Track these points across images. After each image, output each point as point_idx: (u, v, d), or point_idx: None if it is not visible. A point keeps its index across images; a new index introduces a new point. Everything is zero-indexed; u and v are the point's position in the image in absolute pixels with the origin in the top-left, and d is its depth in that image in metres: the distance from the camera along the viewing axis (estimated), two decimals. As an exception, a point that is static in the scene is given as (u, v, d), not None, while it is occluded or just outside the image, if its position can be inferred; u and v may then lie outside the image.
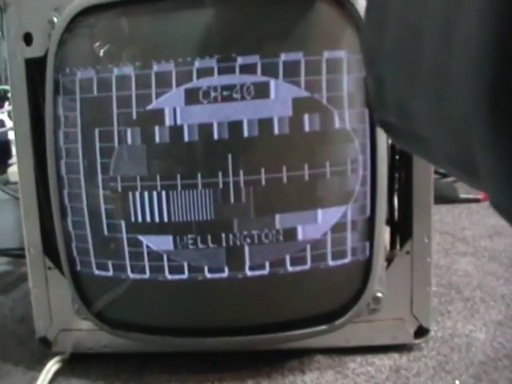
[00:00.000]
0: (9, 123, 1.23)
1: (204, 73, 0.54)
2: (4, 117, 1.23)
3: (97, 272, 0.59)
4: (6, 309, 0.80)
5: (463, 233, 0.99)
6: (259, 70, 0.53)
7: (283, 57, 0.53)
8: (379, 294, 0.60)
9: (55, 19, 0.57)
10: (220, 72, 0.54)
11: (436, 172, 1.32)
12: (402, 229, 0.62)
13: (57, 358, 0.63)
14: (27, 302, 0.77)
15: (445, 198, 1.16)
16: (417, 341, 0.62)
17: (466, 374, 0.58)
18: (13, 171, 1.11)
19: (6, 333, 0.73)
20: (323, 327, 0.57)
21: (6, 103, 1.32)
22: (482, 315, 0.69)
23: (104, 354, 0.63)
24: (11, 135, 1.23)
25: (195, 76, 0.54)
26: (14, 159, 1.21)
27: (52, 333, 0.64)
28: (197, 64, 0.54)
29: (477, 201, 1.15)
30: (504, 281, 0.78)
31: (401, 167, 0.62)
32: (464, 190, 1.16)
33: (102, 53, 0.56)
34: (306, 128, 0.54)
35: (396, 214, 0.63)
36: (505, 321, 0.67)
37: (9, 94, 1.33)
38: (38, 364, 0.62)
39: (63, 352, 0.64)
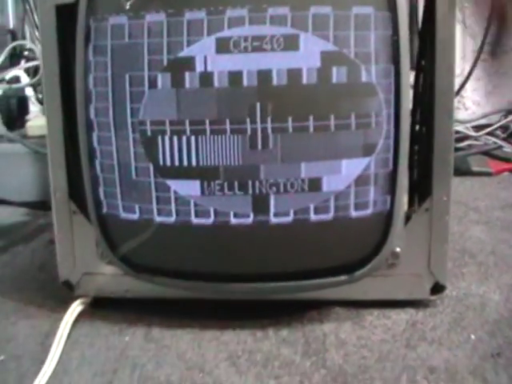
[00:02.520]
0: (25, 79, 1.22)
1: (235, 22, 0.54)
2: (20, 73, 1.23)
3: (123, 215, 0.60)
4: (27, 257, 0.82)
5: (476, 203, 1.00)
6: (289, 22, 0.54)
7: (313, 10, 0.54)
8: (398, 249, 0.61)
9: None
10: (251, 22, 0.54)
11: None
12: (421, 186, 0.63)
13: (80, 300, 0.65)
14: (47, 250, 0.80)
15: (457, 169, 1.16)
16: (433, 297, 0.63)
17: (480, 330, 0.59)
18: (31, 125, 1.12)
19: (27, 278, 0.74)
20: (343, 277, 0.59)
21: (23, 60, 1.32)
22: (495, 279, 0.70)
23: (126, 299, 0.65)
24: (28, 91, 1.24)
25: (226, 25, 0.55)
26: (31, 115, 1.21)
27: (75, 276, 0.66)
28: (228, 13, 0.55)
29: (489, 174, 1.16)
30: (516, 248, 0.79)
31: (423, 125, 0.63)
32: (476, 163, 1.17)
33: (132, 3, 0.57)
34: (334, 79, 0.55)
35: (416, 171, 0.63)
36: (517, 284, 0.69)
37: (25, 52, 1.34)
38: (61, 307, 0.64)
39: (86, 295, 0.66)
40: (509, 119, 1.46)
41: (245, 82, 0.55)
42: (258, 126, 0.55)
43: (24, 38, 1.52)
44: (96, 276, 0.65)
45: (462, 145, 1.36)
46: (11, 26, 1.52)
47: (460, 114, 1.59)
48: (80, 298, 0.65)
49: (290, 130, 0.55)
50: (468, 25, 1.59)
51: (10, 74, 1.20)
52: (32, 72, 1.25)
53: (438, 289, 0.63)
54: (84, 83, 0.59)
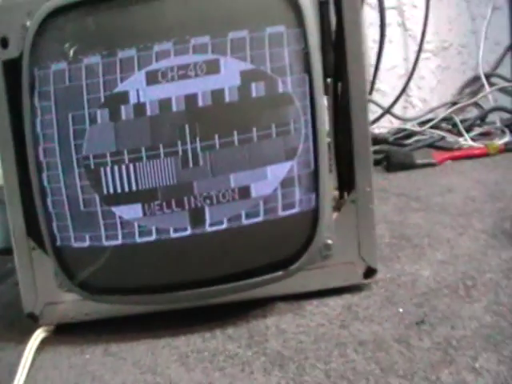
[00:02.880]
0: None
1: (162, 55, 0.61)
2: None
3: (75, 244, 0.65)
4: (-5, 298, 0.86)
5: (417, 193, 1.06)
6: (210, 49, 0.61)
7: (231, 35, 0.61)
8: (329, 241, 0.67)
9: (28, 23, 0.64)
10: (176, 53, 0.61)
11: (395, 144, 1.41)
12: (346, 181, 0.69)
13: (43, 328, 0.69)
14: (13, 291, 0.84)
15: (403, 164, 1.24)
16: (366, 281, 0.69)
17: (409, 303, 0.65)
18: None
19: (-5, 317, 0.79)
20: (279, 273, 0.64)
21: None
22: (428, 257, 0.77)
23: (86, 322, 0.70)
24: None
25: (154, 59, 0.61)
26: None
27: (38, 307, 0.70)
28: (156, 48, 0.61)
29: (432, 165, 1.23)
30: (450, 228, 0.86)
31: (342, 127, 0.69)
32: (421, 156, 1.24)
33: (71, 48, 0.63)
34: (253, 94, 0.61)
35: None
36: (448, 260, 0.75)
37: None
38: (27, 338, 0.68)
39: (50, 324, 0.70)
40: (451, 110, 1.54)
41: (174, 108, 0.61)
42: (188, 146, 0.61)
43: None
44: (57, 304, 0.70)
45: (409, 141, 1.44)
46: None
47: (408, 113, 1.67)
48: (44, 326, 0.70)
49: (217, 146, 0.61)
50: (408, 27, 1.66)
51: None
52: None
53: (370, 273, 0.69)
54: (32, 127, 0.64)
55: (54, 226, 0.66)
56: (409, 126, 1.54)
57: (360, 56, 0.66)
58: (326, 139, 0.64)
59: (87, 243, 0.65)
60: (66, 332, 0.70)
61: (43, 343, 0.68)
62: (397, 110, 1.62)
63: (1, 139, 0.69)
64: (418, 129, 1.49)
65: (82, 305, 0.69)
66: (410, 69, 1.62)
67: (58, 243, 0.66)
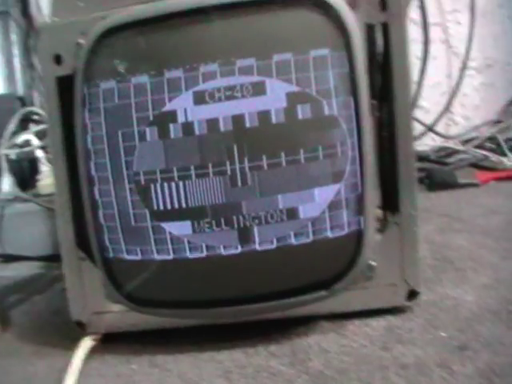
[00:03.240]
0: (35, 142, 1.31)
1: (208, 76, 0.63)
2: (31, 137, 1.31)
3: (127, 257, 0.67)
4: (42, 305, 0.89)
5: (460, 213, 1.06)
6: (255, 71, 0.62)
7: (275, 57, 0.62)
8: (373, 263, 0.68)
9: (82, 41, 0.66)
10: (222, 75, 0.63)
11: (437, 162, 1.41)
12: (391, 202, 0.69)
13: (91, 337, 0.72)
14: (60, 298, 0.86)
15: (445, 184, 1.24)
16: (408, 303, 0.70)
17: (451, 327, 0.65)
18: (42, 185, 1.20)
19: (44, 324, 0.82)
20: (323, 292, 0.65)
21: (32, 125, 1.41)
22: (471, 281, 0.76)
23: (133, 333, 0.72)
24: (38, 153, 1.32)
25: (201, 80, 0.63)
26: (42, 174, 1.29)
27: (85, 316, 0.73)
28: (202, 69, 0.63)
29: (475, 185, 1.23)
30: (494, 251, 0.85)
31: (387, 149, 0.70)
32: (463, 176, 1.23)
33: (121, 66, 0.65)
34: (299, 116, 0.62)
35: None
36: (491, 284, 0.75)
37: (34, 116, 1.43)
38: (75, 345, 0.71)
39: (96, 333, 0.73)
40: (495, 130, 1.53)
41: (221, 128, 0.63)
42: (237, 166, 0.63)
43: (32, 103, 1.63)
44: (104, 314, 0.73)
45: (452, 160, 1.43)
46: (20, 92, 1.63)
47: (451, 130, 1.66)
48: (91, 335, 0.72)
49: (265, 166, 0.63)
50: (452, 44, 1.66)
51: (21, 138, 1.28)
52: (42, 135, 1.34)
53: (412, 295, 0.69)
54: (83, 143, 0.67)
55: (106, 238, 0.68)
56: (451, 143, 1.53)
57: (406, 78, 0.67)
58: (371, 162, 0.65)
59: (139, 256, 0.67)
60: (113, 341, 0.72)
61: (90, 351, 0.70)
62: (439, 127, 1.61)
63: (53, 152, 0.72)
64: (460, 147, 1.48)
65: (128, 315, 0.71)
66: (453, 86, 1.61)
67: (110, 255, 0.68)
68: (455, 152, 1.48)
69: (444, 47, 1.67)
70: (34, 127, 1.36)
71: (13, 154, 1.26)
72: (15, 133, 1.29)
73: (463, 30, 1.62)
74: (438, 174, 1.28)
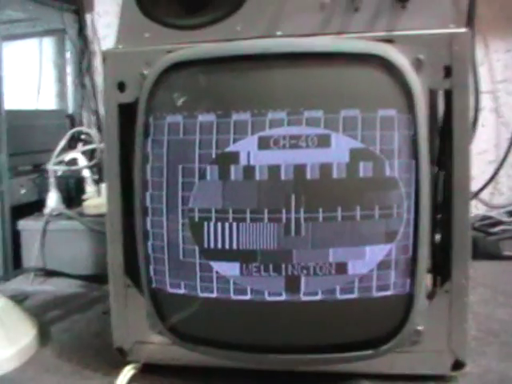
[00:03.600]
0: (82, 161, 1.33)
1: (275, 123, 0.63)
2: (78, 155, 1.34)
3: (170, 290, 0.68)
4: (83, 325, 0.90)
5: (504, 287, 1.04)
6: (322, 124, 0.63)
7: (343, 113, 0.63)
8: (420, 328, 0.67)
9: (145, 72, 0.68)
10: (289, 123, 0.63)
11: (482, 231, 1.38)
12: (442, 270, 0.69)
13: (132, 365, 0.72)
14: (101, 320, 0.88)
15: (489, 254, 1.22)
16: (453, 373, 0.68)
17: (496, 404, 0.64)
18: (87, 205, 1.23)
19: (84, 344, 0.83)
20: (369, 352, 0.65)
21: (80, 144, 1.44)
22: (515, 357, 0.74)
23: (173, 366, 0.72)
24: (85, 172, 1.34)
25: (268, 126, 0.64)
26: (87, 194, 1.31)
27: (128, 344, 0.73)
28: (270, 115, 0.63)
29: (519, 258, 1.21)
30: (539, 330, 0.83)
31: (442, 218, 0.69)
32: (508, 248, 1.21)
33: (187, 102, 0.66)
34: (361, 174, 0.62)
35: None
36: (537, 364, 0.73)
37: (82, 136, 1.46)
38: (114, 371, 0.71)
39: (137, 361, 0.73)
40: (542, 204, 1.51)
41: (282, 176, 0.63)
42: (292, 215, 0.63)
43: (81, 122, 1.66)
44: (146, 344, 0.73)
45: (495, 230, 1.41)
46: (70, 111, 1.67)
47: (495, 200, 1.64)
48: (131, 363, 0.72)
49: (321, 219, 0.63)
50: (501, 113, 1.65)
51: (68, 156, 1.32)
52: (88, 155, 1.37)
53: (458, 365, 0.68)
54: (142, 173, 0.68)
55: (151, 268, 0.69)
56: (495, 213, 1.51)
57: (466, 148, 0.67)
58: (427, 227, 0.64)
59: (182, 291, 0.67)
60: (153, 372, 0.72)
61: (131, 379, 0.71)
62: (484, 195, 1.59)
63: (109, 178, 0.73)
64: (505, 218, 1.46)
65: (170, 349, 0.71)
66: (501, 155, 1.60)
67: (154, 285, 0.69)
68: (499, 222, 1.46)
69: (493, 116, 1.66)
70: (81, 146, 1.39)
71: (60, 170, 1.28)
72: (63, 150, 1.31)
73: (513, 101, 1.62)
74: (482, 243, 1.26)
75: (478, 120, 1.53)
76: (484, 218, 1.50)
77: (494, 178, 1.60)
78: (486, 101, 1.62)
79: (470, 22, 1.48)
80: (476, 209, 1.59)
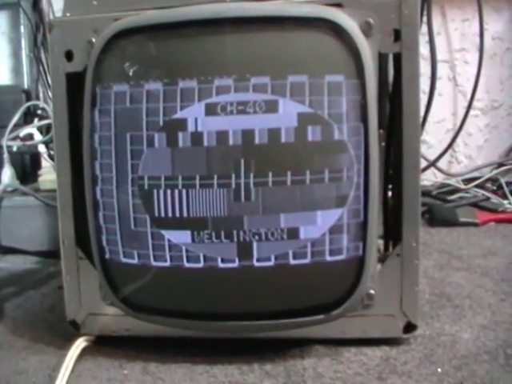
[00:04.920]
0: (38, 137, 1.30)
1: (222, 90, 0.62)
2: (34, 131, 1.31)
3: (124, 260, 0.67)
4: (37, 301, 0.89)
5: (459, 252, 1.06)
6: (269, 90, 0.62)
7: (290, 78, 0.62)
8: (372, 291, 0.67)
9: (93, 40, 0.67)
10: (236, 90, 0.62)
11: (438, 198, 1.41)
12: (393, 233, 0.69)
13: (84, 338, 0.71)
14: (55, 295, 0.86)
15: (446, 220, 1.24)
16: (406, 335, 0.69)
17: (448, 364, 0.64)
18: (43, 180, 1.20)
19: (37, 319, 0.81)
20: (321, 316, 0.65)
21: (36, 119, 1.41)
22: (468, 319, 0.76)
23: (127, 337, 0.71)
24: (40, 148, 1.31)
25: (214, 92, 0.62)
26: (43, 170, 1.29)
27: (81, 316, 0.72)
28: (216, 82, 0.62)
29: (475, 224, 1.23)
30: (492, 292, 0.85)
31: (393, 182, 0.70)
32: (464, 215, 1.23)
33: (134, 70, 0.65)
34: (309, 138, 0.62)
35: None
36: (489, 325, 0.74)
37: (38, 111, 1.43)
38: (67, 344, 0.70)
39: (90, 334, 0.72)
40: (497, 171, 1.53)
41: (230, 141, 0.62)
42: (242, 180, 0.62)
43: (38, 97, 1.63)
44: (99, 316, 0.72)
45: (453, 197, 1.44)
46: (26, 86, 1.63)
47: (453, 168, 1.66)
48: (85, 335, 0.71)
49: (270, 184, 0.62)
50: (459, 82, 1.67)
51: (23, 131, 1.28)
52: (45, 130, 1.33)
53: (410, 328, 0.68)
54: (90, 142, 0.67)
55: (104, 239, 0.68)
56: (453, 181, 1.53)
57: (416, 111, 0.67)
58: (377, 190, 0.65)
59: (135, 260, 0.66)
60: (106, 344, 0.71)
61: (83, 352, 0.70)
62: (442, 164, 1.61)
63: (58, 148, 0.71)
64: (462, 186, 1.48)
65: (123, 320, 0.70)
66: (458, 124, 1.62)
67: (107, 256, 0.68)
68: (456, 190, 1.48)
69: (451, 85, 1.68)
70: (37, 122, 1.36)
71: (15, 146, 1.25)
72: (18, 125, 1.28)
73: (470, 70, 1.63)
74: (439, 211, 1.28)
75: (435, 88, 1.54)
76: (442, 185, 1.52)
77: (452, 147, 1.63)
78: (443, 70, 1.64)
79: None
80: (434, 177, 1.61)
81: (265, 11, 0.64)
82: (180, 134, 0.63)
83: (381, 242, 0.73)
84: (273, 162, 0.63)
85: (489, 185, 1.50)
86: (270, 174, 0.62)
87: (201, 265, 0.64)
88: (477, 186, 1.47)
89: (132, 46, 0.65)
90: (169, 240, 0.65)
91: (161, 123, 0.63)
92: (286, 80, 0.62)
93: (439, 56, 1.57)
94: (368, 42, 0.63)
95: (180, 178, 0.63)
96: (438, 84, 1.57)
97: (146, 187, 0.64)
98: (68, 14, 0.71)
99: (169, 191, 0.64)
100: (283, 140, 0.62)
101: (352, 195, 0.63)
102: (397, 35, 0.65)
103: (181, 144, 0.63)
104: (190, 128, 0.63)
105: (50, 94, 1.62)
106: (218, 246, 0.64)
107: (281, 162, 0.63)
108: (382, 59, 0.66)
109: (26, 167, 1.33)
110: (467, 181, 1.52)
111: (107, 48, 0.65)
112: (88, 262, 0.71)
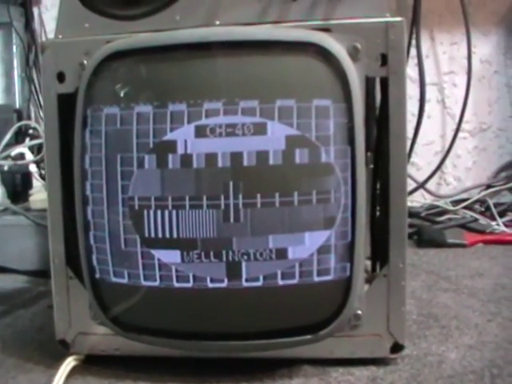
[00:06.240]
0: (29, 156, 1.31)
1: (211, 113, 0.64)
2: (25, 150, 1.31)
3: (114, 279, 0.67)
4: (27, 320, 0.89)
5: (447, 273, 1.07)
6: (258, 113, 0.63)
7: (278, 102, 0.63)
8: (359, 312, 0.68)
9: (85, 62, 0.68)
10: (225, 113, 0.63)
11: (427, 219, 1.42)
12: (380, 254, 0.70)
13: (74, 357, 0.72)
14: (45, 314, 0.87)
15: (434, 242, 1.25)
16: (393, 356, 0.69)
17: (434, 384, 0.65)
18: (34, 199, 1.20)
19: (27, 339, 0.82)
20: (308, 337, 0.66)
21: (27, 138, 1.41)
22: (455, 339, 0.76)
23: (116, 357, 0.71)
24: (32, 167, 1.32)
25: (204, 115, 0.64)
26: (34, 189, 1.29)
27: (70, 335, 0.73)
28: (205, 106, 0.64)
29: (463, 246, 1.24)
30: (479, 313, 0.86)
31: (380, 201, 0.71)
32: (452, 236, 1.25)
33: (124, 93, 0.66)
34: (297, 160, 0.63)
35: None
36: (475, 345, 0.75)
37: (30, 130, 1.43)
38: (56, 363, 0.70)
39: (80, 353, 0.72)
40: (486, 193, 1.55)
41: (219, 163, 0.63)
42: (231, 201, 0.63)
43: (29, 117, 1.63)
44: (89, 335, 0.72)
45: (441, 219, 1.45)
46: (17, 105, 1.64)
47: (441, 190, 1.67)
48: (74, 355, 0.72)
49: (259, 205, 0.63)
50: (447, 105, 1.69)
51: (15, 151, 1.28)
52: (36, 149, 1.33)
53: (397, 348, 0.69)
54: (81, 162, 0.68)
55: (94, 258, 0.68)
56: (441, 203, 1.55)
57: (402, 135, 0.68)
58: (364, 211, 0.65)
59: (126, 280, 0.67)
60: (96, 363, 0.72)
61: (73, 371, 0.70)
62: (430, 185, 1.63)
63: (49, 168, 0.72)
64: (450, 207, 1.50)
65: (113, 339, 0.71)
66: (447, 146, 1.63)
67: (97, 276, 0.68)
68: (445, 211, 1.49)
69: (439, 107, 1.69)
70: (28, 141, 1.37)
71: (6, 165, 1.26)
72: (9, 145, 1.29)
73: (459, 93, 1.65)
74: (427, 232, 1.29)
75: (424, 111, 1.56)
76: (430, 207, 1.53)
77: (440, 168, 1.64)
78: (432, 92, 1.65)
79: (415, 15, 1.51)
80: (423, 198, 1.62)
81: (253, 35, 0.66)
82: (170, 156, 0.64)
83: (368, 263, 0.74)
84: (261, 183, 0.64)
85: (477, 206, 1.51)
86: (259, 196, 0.63)
87: (190, 284, 0.65)
88: (465, 208, 1.48)
89: (123, 69, 0.67)
90: (159, 259, 0.65)
91: (151, 145, 0.64)
92: (275, 104, 0.63)
93: (428, 79, 1.58)
94: (355, 66, 0.65)
95: (170, 198, 0.64)
96: (427, 106, 1.58)
97: (137, 208, 0.65)
98: (60, 36, 0.73)
99: (159, 212, 0.64)
100: (271, 162, 0.63)
101: (340, 217, 0.64)
102: (384, 60, 0.66)
103: (170, 165, 0.64)
104: (180, 150, 0.64)
105: (41, 113, 1.63)
106: (208, 265, 0.64)
107: (269, 183, 0.64)
108: (369, 83, 0.67)
109: (17, 186, 1.34)
110: (456, 202, 1.53)
111: (98, 70, 0.67)
112: (78, 281, 0.72)
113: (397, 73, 0.66)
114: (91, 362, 0.72)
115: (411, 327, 0.80)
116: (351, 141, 0.64)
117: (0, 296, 1.01)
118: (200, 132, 0.63)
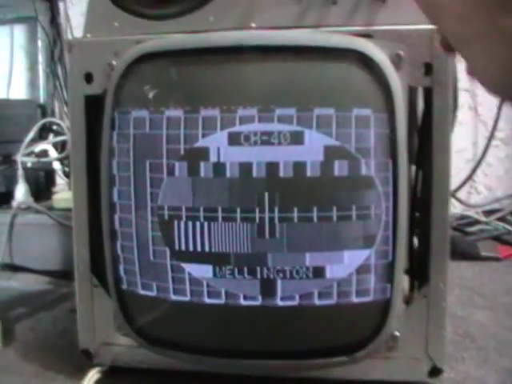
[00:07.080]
0: (53, 153, 1.29)
1: (246, 120, 0.60)
2: (49, 147, 1.29)
3: (142, 292, 0.65)
4: (49, 324, 0.87)
5: (482, 288, 1.03)
6: (295, 121, 0.60)
7: (317, 111, 0.60)
8: (397, 333, 0.64)
9: (114, 62, 0.65)
10: (260, 120, 0.60)
11: (459, 230, 1.37)
12: (420, 273, 0.66)
13: (98, 369, 0.69)
14: (67, 318, 0.85)
15: (466, 254, 1.21)
16: (430, 380, 0.66)
17: (474, 410, 0.62)
18: (57, 198, 1.18)
19: (48, 344, 0.80)
20: (344, 358, 0.63)
21: (51, 135, 1.39)
22: (494, 362, 0.73)
23: (140, 369, 0.69)
24: (55, 165, 1.30)
25: (238, 122, 0.60)
26: (57, 187, 1.27)
27: (94, 345, 0.70)
28: (240, 112, 0.60)
29: (497, 259, 1.20)
30: (518, 333, 0.82)
31: (420, 219, 0.67)
32: (485, 248, 1.20)
33: (154, 96, 0.63)
34: (336, 173, 0.60)
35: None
36: (515, 369, 0.71)
37: (54, 126, 1.41)
38: (79, 373, 0.69)
39: (103, 364, 0.70)
40: (519, 204, 1.50)
41: (254, 173, 0.60)
42: (266, 215, 0.60)
43: (53, 112, 1.62)
44: (113, 346, 0.70)
45: (472, 229, 1.40)
46: (41, 100, 1.62)
47: (472, 199, 1.63)
48: (97, 365, 0.70)
49: (296, 219, 0.60)
50: (480, 112, 1.64)
51: (38, 147, 1.27)
52: (60, 146, 1.32)
53: (435, 372, 0.66)
54: (108, 167, 0.65)
55: (121, 268, 0.66)
56: (472, 212, 1.50)
57: (447, 147, 0.64)
58: (405, 230, 0.62)
59: (154, 293, 0.64)
60: (119, 375, 0.70)
61: (96, 383, 0.68)
62: (461, 194, 1.58)
63: (75, 171, 0.69)
64: (482, 218, 1.45)
65: (137, 351, 0.68)
66: (479, 154, 1.59)
67: (124, 287, 0.66)
68: (477, 222, 1.45)
69: (472, 114, 1.65)
70: (52, 138, 1.35)
71: (29, 162, 1.24)
72: (33, 141, 1.26)
73: (492, 99, 1.60)
74: (460, 244, 1.25)
75: (456, 117, 1.52)
76: (461, 217, 1.49)
77: (472, 177, 1.59)
78: (464, 98, 1.61)
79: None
80: (453, 207, 1.58)
81: (292, 40, 0.62)
82: (202, 164, 0.61)
83: (406, 280, 0.70)
84: (298, 196, 0.61)
85: (510, 218, 1.46)
86: (296, 210, 0.60)
87: (222, 301, 0.62)
88: (498, 219, 1.43)
89: (154, 71, 0.64)
90: (189, 274, 0.63)
91: (182, 151, 0.61)
92: (312, 112, 0.60)
93: (460, 84, 1.54)
94: (398, 74, 0.61)
95: (201, 209, 0.61)
96: (459, 113, 1.53)
97: (166, 217, 0.62)
98: (88, 35, 0.70)
99: (190, 223, 0.62)
100: (309, 174, 0.60)
101: (380, 235, 0.61)
102: (428, 69, 0.63)
103: (202, 174, 0.61)
104: (213, 158, 0.61)
105: (65, 109, 1.61)
106: (241, 282, 0.62)
107: (306, 197, 0.61)
108: (411, 92, 0.64)
109: (40, 184, 1.32)
110: (487, 212, 1.49)
111: (128, 72, 0.64)
112: (103, 290, 0.69)
113: (441, 83, 0.63)
114: (114, 374, 0.70)
115: (447, 347, 0.75)
116: (393, 153, 0.61)
117: (21, 297, 1.00)
118: (233, 139, 0.60)
